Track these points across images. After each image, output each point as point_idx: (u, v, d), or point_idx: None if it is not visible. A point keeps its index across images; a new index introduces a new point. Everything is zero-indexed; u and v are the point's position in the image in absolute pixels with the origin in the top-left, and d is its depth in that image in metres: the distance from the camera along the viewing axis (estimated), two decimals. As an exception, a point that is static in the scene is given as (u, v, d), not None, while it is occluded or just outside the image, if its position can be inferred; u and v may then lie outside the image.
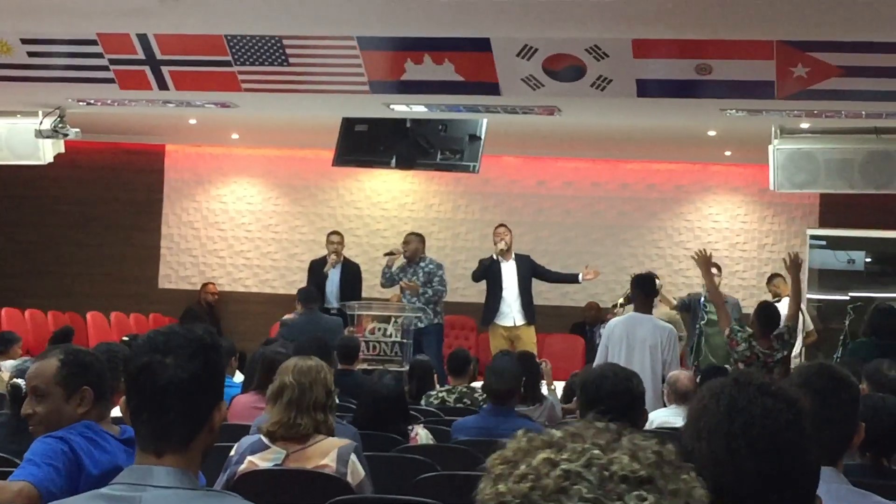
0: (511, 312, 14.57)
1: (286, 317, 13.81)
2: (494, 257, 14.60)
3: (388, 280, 14.85)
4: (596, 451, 1.72)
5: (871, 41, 9.71)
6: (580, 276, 14.92)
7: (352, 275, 15.51)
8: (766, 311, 10.57)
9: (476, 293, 16.31)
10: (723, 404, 2.82)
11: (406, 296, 14.60)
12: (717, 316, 11.21)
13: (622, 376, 5.16)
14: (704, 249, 11.08)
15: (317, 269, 15.42)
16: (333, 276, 15.34)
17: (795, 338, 10.65)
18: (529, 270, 14.71)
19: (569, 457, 1.71)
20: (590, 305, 17.00)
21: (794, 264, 10.64)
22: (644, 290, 11.06)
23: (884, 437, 5.44)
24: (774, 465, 2.77)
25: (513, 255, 14.69)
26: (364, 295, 15.59)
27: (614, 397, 4.99)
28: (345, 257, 15.62)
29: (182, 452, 3.11)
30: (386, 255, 14.92)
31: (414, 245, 14.87)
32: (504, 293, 14.58)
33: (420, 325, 14.29)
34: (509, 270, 14.62)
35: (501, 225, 14.94)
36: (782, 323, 10.52)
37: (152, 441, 3.11)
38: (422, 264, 14.80)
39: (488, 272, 14.63)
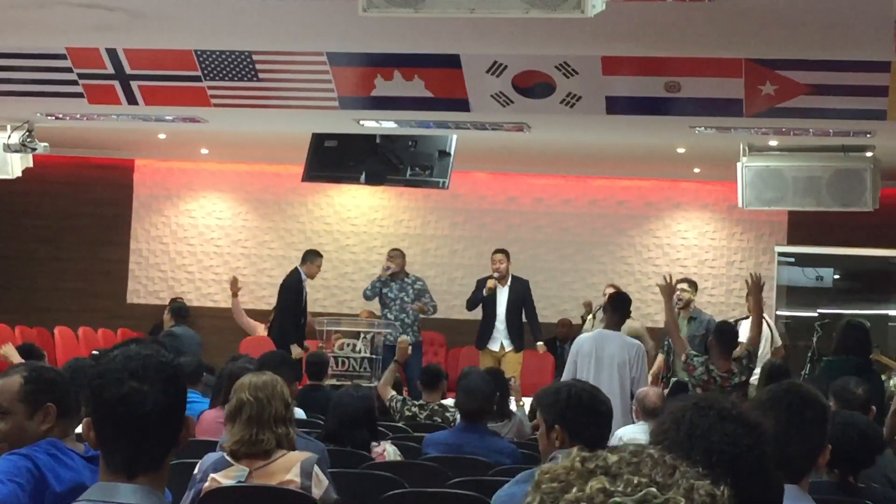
0: (500, 337, 14.62)
1: (170, 328, 13.90)
2: (485, 293, 14.67)
3: (374, 293, 14.87)
4: (653, 489, 1.69)
5: (838, 60, 9.76)
6: (538, 342, 15.02)
7: None
8: (725, 332, 10.45)
9: (445, 309, 16.30)
10: (683, 430, 2.83)
11: (394, 311, 14.62)
12: (673, 344, 11.20)
13: (589, 393, 5.17)
14: (670, 276, 11.08)
15: (293, 288, 15.32)
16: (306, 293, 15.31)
17: (755, 363, 10.56)
18: (521, 299, 14.72)
19: (623, 489, 1.69)
20: (561, 322, 17.01)
21: (756, 286, 10.55)
22: (618, 309, 11.04)
23: (850, 454, 5.46)
24: (735, 489, 2.78)
25: (509, 280, 14.72)
26: (313, 306, 15.70)
27: (582, 414, 5.01)
28: None
29: (154, 472, 3.10)
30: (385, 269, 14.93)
31: (400, 260, 14.93)
32: (497, 319, 14.63)
33: (411, 341, 14.41)
34: (503, 296, 14.67)
35: (499, 251, 14.93)
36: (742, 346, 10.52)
37: (125, 465, 3.09)
38: (408, 280, 14.85)
39: (484, 299, 14.72)
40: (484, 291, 14.66)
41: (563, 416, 4.97)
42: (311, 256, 15.27)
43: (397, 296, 14.73)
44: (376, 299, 15.08)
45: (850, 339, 10.09)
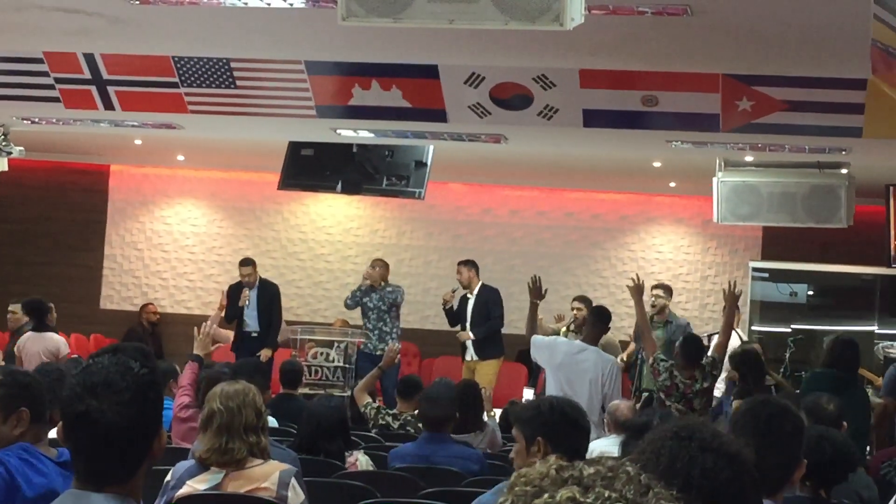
0: (469, 347, 14.60)
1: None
2: (445, 308, 14.75)
3: (354, 303, 14.83)
4: None
5: (815, 77, 9.80)
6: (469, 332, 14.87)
7: (269, 295, 15.36)
8: (690, 345, 10.59)
9: (419, 319, 16.30)
10: (662, 463, 2.82)
11: (372, 321, 14.59)
12: (643, 342, 11.16)
13: (570, 405, 5.19)
14: (638, 276, 11.03)
15: (233, 294, 15.29)
16: (251, 297, 15.19)
17: (719, 369, 10.64)
18: (485, 306, 14.69)
19: (593, 502, 1.68)
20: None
21: (731, 294, 10.66)
22: (598, 323, 11.01)
23: (822, 469, 5.48)
24: None
25: (477, 289, 14.71)
26: (287, 314, 15.65)
27: (565, 425, 5.02)
28: (262, 278, 15.51)
29: (122, 484, 3.07)
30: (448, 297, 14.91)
31: (380, 270, 14.88)
32: (465, 328, 14.62)
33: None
34: (470, 305, 14.68)
35: (459, 262, 15.00)
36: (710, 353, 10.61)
37: (92, 478, 3.07)
38: (388, 289, 14.81)
39: (458, 309, 14.77)
40: (445, 306, 14.77)
41: (546, 427, 4.96)
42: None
43: (376, 305, 14.70)
44: (355, 309, 15.09)
45: (839, 354, 10.16)
